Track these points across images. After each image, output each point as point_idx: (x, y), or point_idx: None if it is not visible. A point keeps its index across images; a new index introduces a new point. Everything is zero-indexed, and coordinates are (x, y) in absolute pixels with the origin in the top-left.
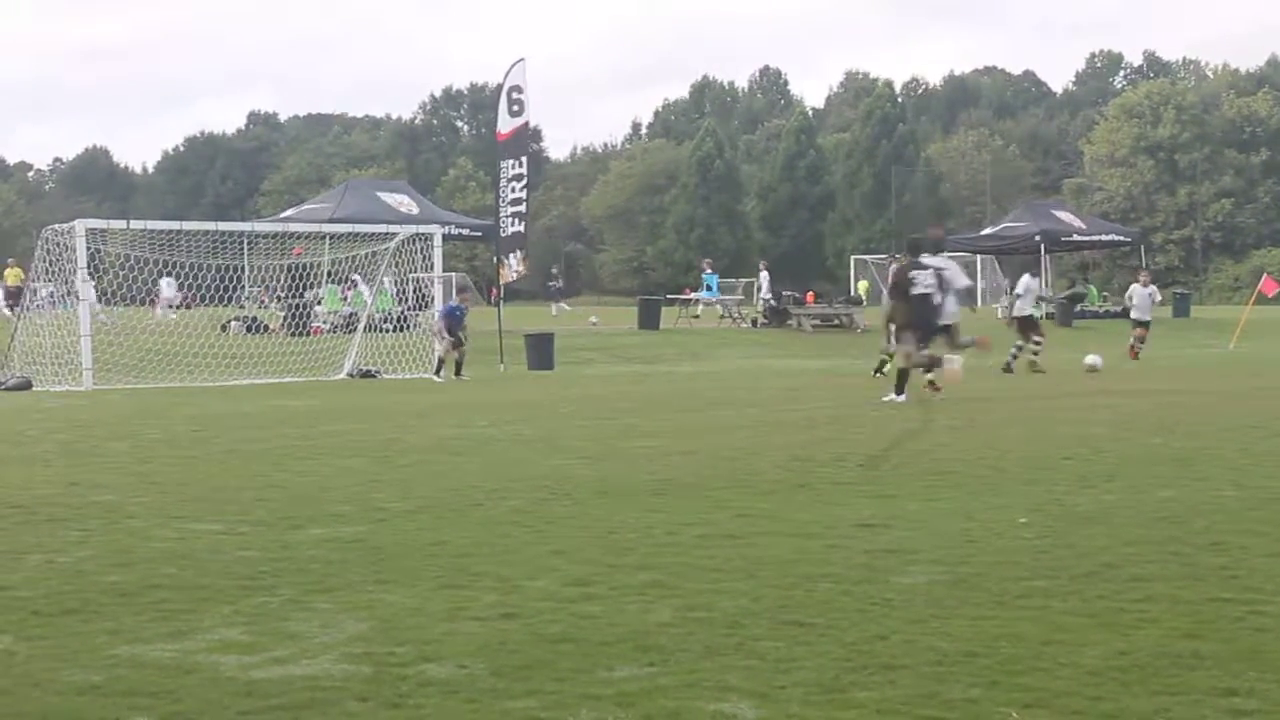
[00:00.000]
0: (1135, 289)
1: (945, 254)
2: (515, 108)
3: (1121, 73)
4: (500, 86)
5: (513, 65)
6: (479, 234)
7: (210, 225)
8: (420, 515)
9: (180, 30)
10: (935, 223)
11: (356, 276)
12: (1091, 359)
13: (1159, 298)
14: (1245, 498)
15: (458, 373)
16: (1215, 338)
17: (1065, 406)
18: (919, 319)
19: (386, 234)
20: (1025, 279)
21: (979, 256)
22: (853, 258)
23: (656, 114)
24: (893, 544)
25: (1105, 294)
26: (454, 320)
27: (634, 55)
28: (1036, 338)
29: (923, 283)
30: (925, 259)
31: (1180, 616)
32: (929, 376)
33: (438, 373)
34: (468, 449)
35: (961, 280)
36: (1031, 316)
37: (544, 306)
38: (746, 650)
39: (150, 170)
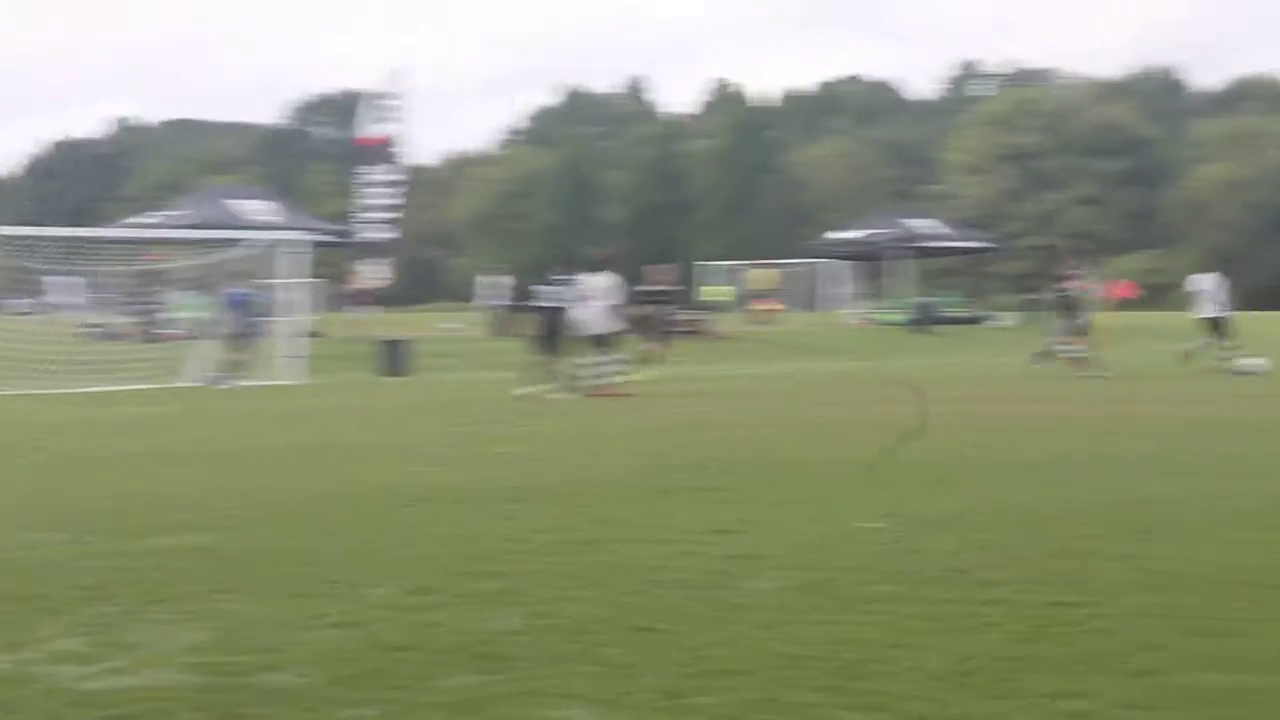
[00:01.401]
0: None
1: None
2: (380, 114)
3: (983, 81)
4: (365, 93)
5: (382, 71)
6: (340, 240)
7: (65, 231)
8: (268, 523)
9: (49, 35)
10: (609, 245)
11: (208, 283)
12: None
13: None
14: (1086, 502)
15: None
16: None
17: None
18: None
19: (242, 240)
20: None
21: (841, 262)
22: (710, 264)
23: (525, 121)
24: (746, 549)
25: (965, 300)
26: (241, 311)
27: (503, 62)
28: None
29: (554, 296)
30: (582, 275)
31: (1023, 620)
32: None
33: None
34: (318, 455)
35: (607, 298)
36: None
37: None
38: (592, 657)
39: (12, 176)
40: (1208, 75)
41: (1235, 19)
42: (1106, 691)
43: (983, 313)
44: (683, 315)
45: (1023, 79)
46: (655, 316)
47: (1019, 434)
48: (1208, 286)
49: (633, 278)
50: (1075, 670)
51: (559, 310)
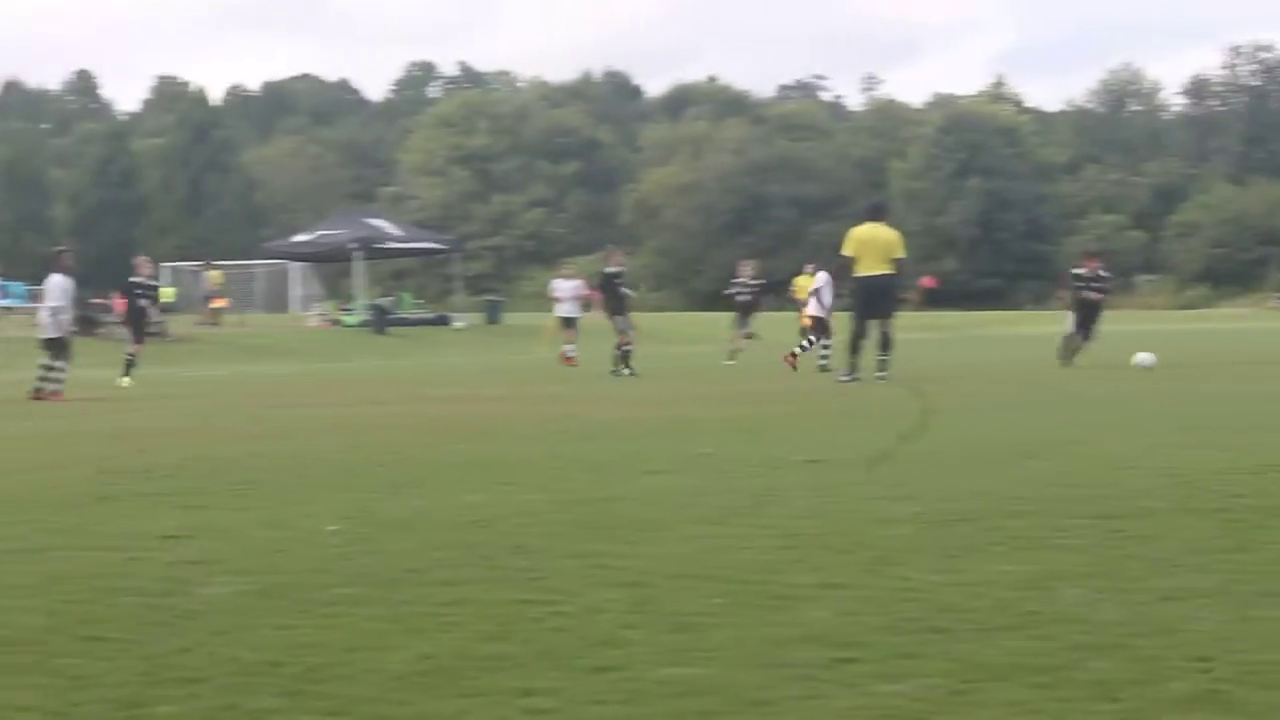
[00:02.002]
0: (558, 283)
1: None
2: None
3: (437, 83)
4: None
5: None
6: None
7: None
8: None
9: None
10: (60, 246)
11: None
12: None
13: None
14: (549, 501)
15: None
16: (526, 343)
17: (379, 413)
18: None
19: None
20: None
21: (295, 264)
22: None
23: None
24: (198, 555)
25: (420, 301)
26: None
27: None
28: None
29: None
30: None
31: (484, 619)
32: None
33: None
34: None
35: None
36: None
37: None
38: (45, 668)
39: None
40: (656, 80)
41: (682, 27)
42: (568, 688)
43: (442, 314)
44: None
45: (475, 81)
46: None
47: (480, 435)
48: (820, 285)
49: (85, 280)
50: (537, 667)
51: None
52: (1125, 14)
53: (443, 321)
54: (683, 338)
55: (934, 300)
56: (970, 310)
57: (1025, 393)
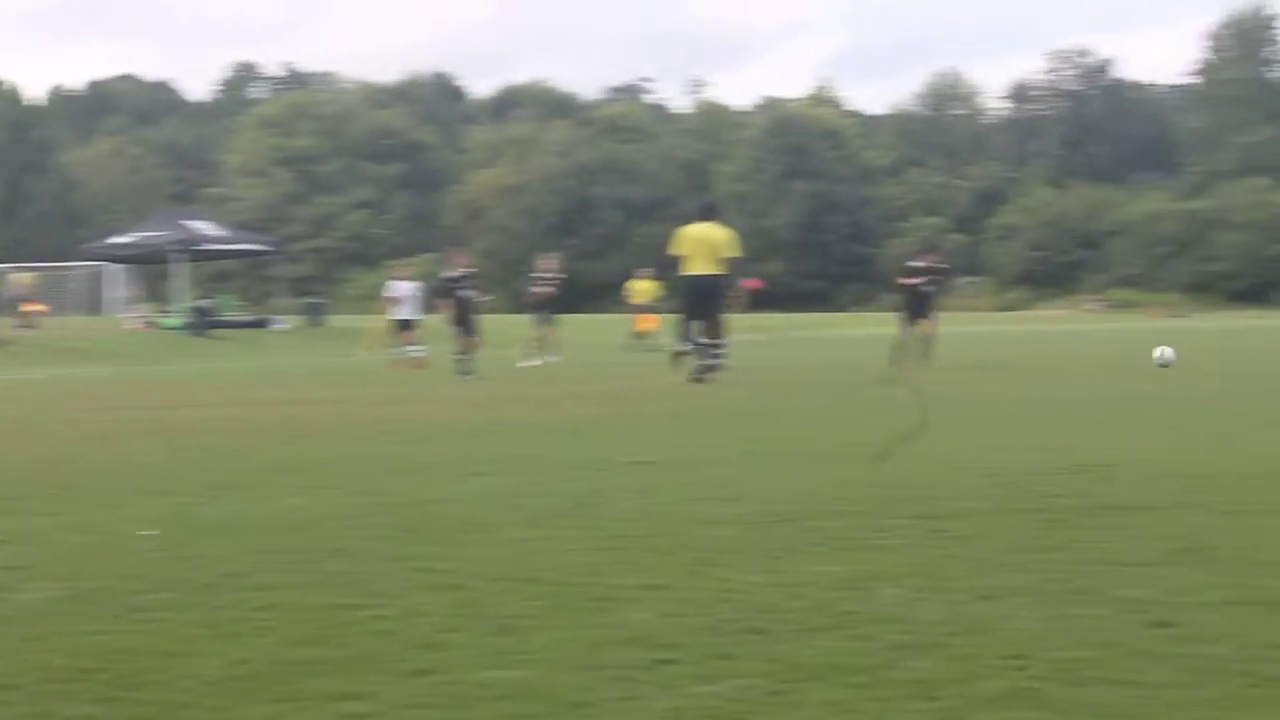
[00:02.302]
0: (393, 285)
1: None
2: None
3: (261, 84)
4: None
5: None
6: None
7: None
8: None
9: None
10: None
11: None
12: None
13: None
14: (371, 504)
15: None
16: (349, 346)
17: (198, 417)
18: None
19: None
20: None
21: (113, 266)
22: None
23: None
24: (10, 560)
25: (242, 303)
26: None
27: None
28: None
29: None
30: None
31: (302, 623)
32: None
33: None
34: None
35: None
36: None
37: None
38: None
39: None
40: (482, 83)
41: (508, 29)
42: (386, 692)
43: (264, 316)
44: None
45: (299, 82)
46: None
47: (301, 438)
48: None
49: None
50: (355, 671)
51: None
52: (950, 19)
53: (263, 324)
54: (510, 340)
55: (759, 302)
56: (795, 312)
57: (847, 394)
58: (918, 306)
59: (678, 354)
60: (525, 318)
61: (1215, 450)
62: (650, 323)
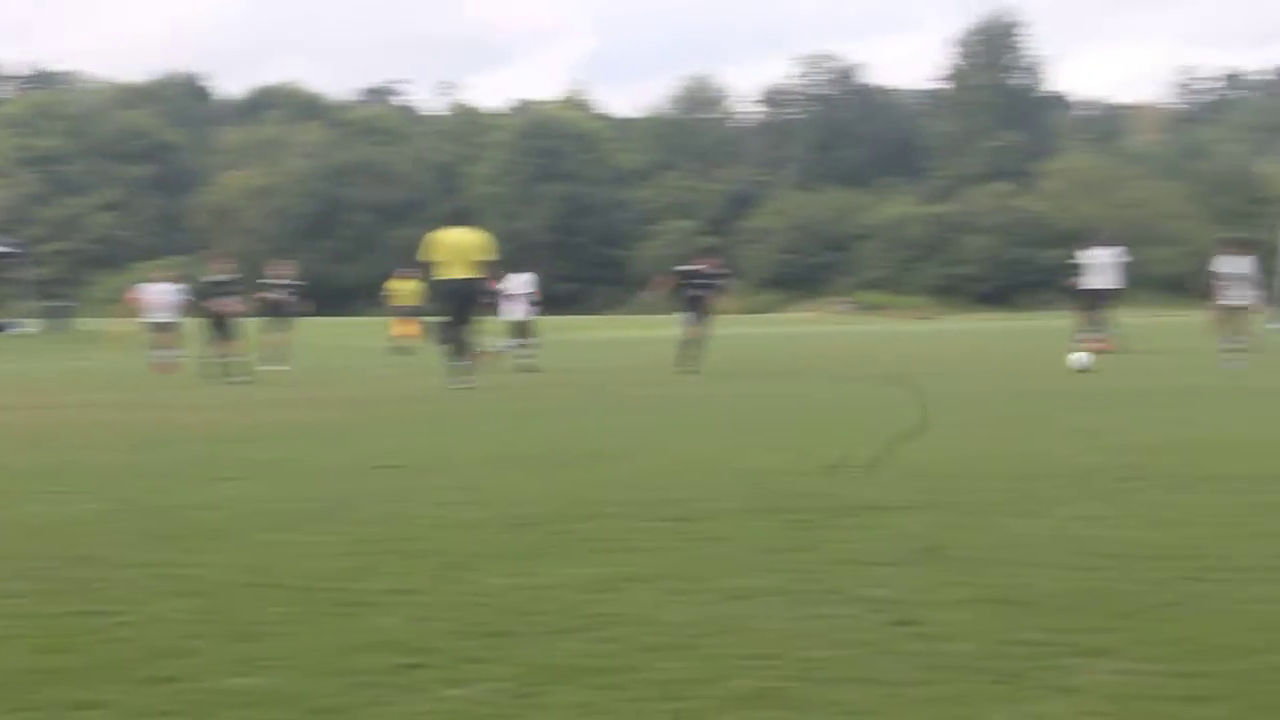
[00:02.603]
0: (146, 288)
1: None
2: None
3: (5, 83)
4: None
5: None
6: None
7: None
8: None
9: None
10: None
11: None
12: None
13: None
14: (113, 509)
15: None
16: (94, 350)
17: None
18: None
19: None
20: None
21: None
22: None
23: None
24: None
25: None
26: None
27: None
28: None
29: None
30: None
31: (40, 632)
32: None
33: None
34: None
35: None
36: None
37: None
38: None
39: None
40: (231, 83)
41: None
42: (126, 700)
43: (5, 320)
44: None
45: (44, 81)
46: None
47: (40, 443)
48: (517, 288)
49: None
50: (95, 679)
51: None
52: (702, 23)
53: (4, 328)
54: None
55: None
56: (547, 315)
57: (599, 396)
58: (694, 309)
59: (453, 358)
60: (258, 322)
61: (957, 450)
62: (408, 327)
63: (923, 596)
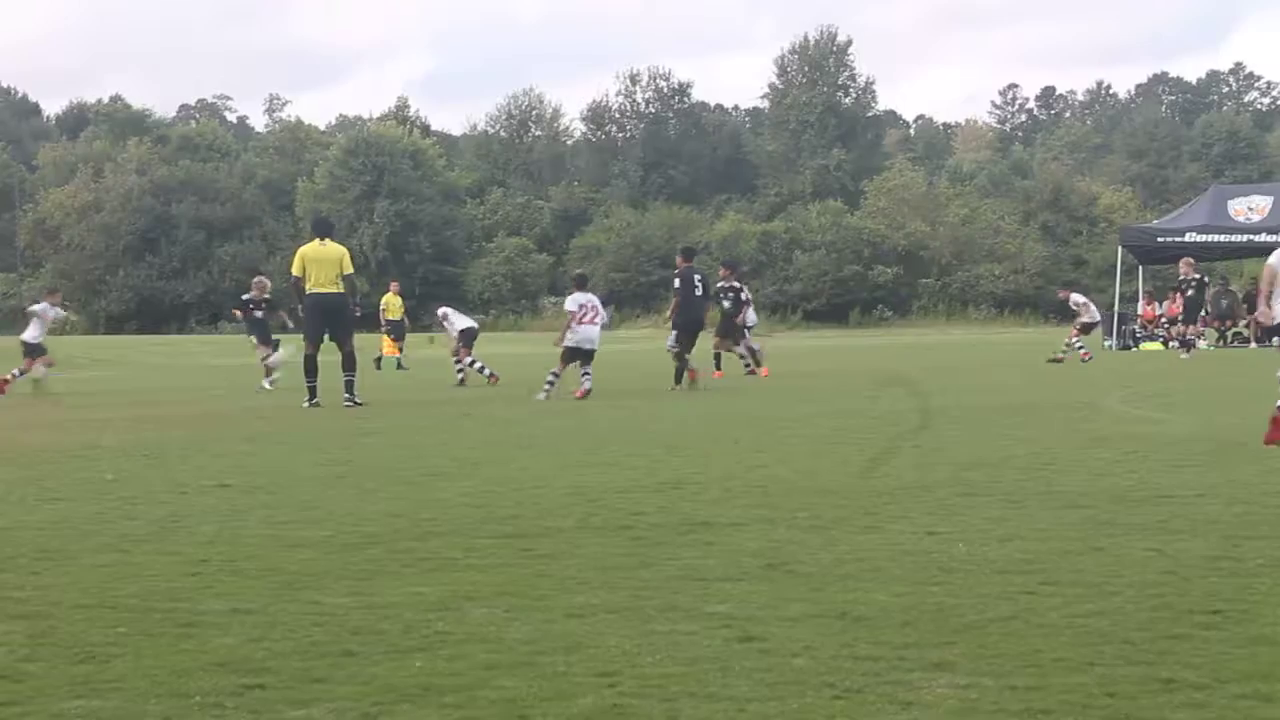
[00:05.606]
0: None
1: None
2: None
3: None
4: None
5: None
6: None
7: None
8: None
9: None
10: None
11: None
12: None
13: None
14: None
15: None
16: None
17: None
18: None
19: None
20: None
21: None
22: None
23: None
24: None
25: None
26: None
27: None
28: None
29: None
30: None
31: None
32: None
33: None
34: None
35: None
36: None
37: None
38: None
39: None
40: (55, 100)
41: (85, 46)
42: None
43: None
44: None
45: None
46: None
47: None
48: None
49: None
50: None
51: None
52: (532, 43)
53: None
54: (88, 362)
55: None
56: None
57: (434, 414)
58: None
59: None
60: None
61: (794, 467)
62: (394, 345)
63: (763, 612)
